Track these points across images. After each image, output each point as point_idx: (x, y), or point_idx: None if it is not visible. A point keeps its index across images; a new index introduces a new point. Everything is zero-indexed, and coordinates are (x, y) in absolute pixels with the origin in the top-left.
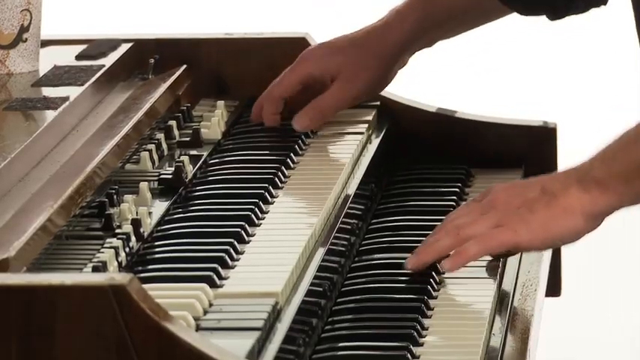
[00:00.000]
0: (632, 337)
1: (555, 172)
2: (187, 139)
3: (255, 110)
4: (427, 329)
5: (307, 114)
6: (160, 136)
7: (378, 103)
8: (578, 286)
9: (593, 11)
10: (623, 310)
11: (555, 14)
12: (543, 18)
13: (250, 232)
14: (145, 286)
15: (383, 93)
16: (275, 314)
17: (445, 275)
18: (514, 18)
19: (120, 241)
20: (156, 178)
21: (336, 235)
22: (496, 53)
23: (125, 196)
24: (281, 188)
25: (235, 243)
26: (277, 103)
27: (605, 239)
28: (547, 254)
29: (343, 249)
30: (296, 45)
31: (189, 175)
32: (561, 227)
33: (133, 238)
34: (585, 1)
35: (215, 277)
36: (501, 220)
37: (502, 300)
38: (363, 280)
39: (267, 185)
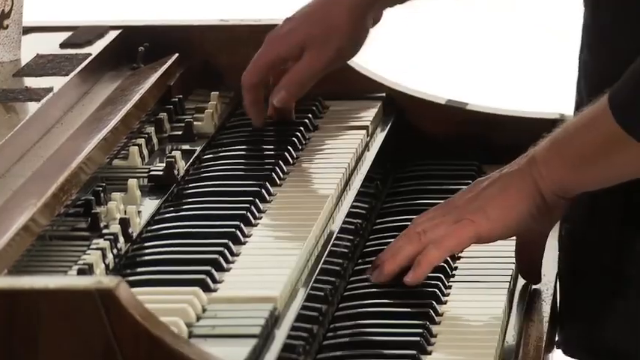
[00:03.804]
0: None
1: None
2: (179, 132)
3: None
4: (436, 336)
5: (283, 86)
6: (150, 129)
7: (384, 94)
8: None
9: None
10: None
11: None
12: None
13: (246, 233)
14: (134, 290)
15: (389, 84)
16: (273, 320)
17: (454, 279)
18: (531, 7)
19: (107, 242)
20: (146, 174)
21: (339, 235)
22: (510, 42)
23: (113, 193)
24: (279, 185)
25: (230, 244)
26: (253, 90)
27: None
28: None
29: (346, 251)
30: None
31: (182, 172)
32: (518, 209)
33: (121, 239)
34: None
35: (209, 280)
36: (460, 216)
37: (515, 306)
38: (367, 284)
39: (264, 182)
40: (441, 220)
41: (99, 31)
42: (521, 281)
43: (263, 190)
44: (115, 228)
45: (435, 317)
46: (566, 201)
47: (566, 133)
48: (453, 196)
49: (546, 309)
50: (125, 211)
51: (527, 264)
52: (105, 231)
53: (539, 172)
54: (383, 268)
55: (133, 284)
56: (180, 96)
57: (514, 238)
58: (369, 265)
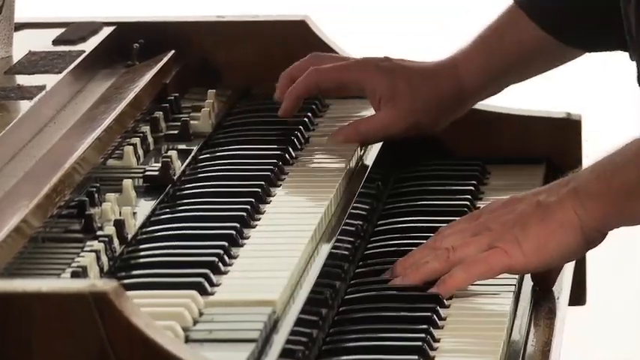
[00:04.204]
0: None
1: (553, 182)
2: (175, 132)
3: (283, 86)
4: (439, 341)
5: (344, 131)
6: (146, 128)
7: None
8: (604, 294)
9: None
10: None
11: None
12: None
13: (245, 235)
14: (129, 293)
15: None
16: (271, 324)
17: None
18: None
19: (101, 244)
20: (141, 174)
21: (339, 237)
22: None
23: (107, 194)
24: (278, 186)
25: (228, 246)
26: (311, 87)
27: (633, 245)
28: None
29: (347, 253)
30: (294, 29)
31: (178, 172)
32: (557, 245)
33: (116, 241)
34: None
35: (206, 283)
36: (493, 241)
37: (520, 309)
38: (369, 287)
39: (263, 183)
40: (472, 240)
41: (92, 28)
42: (526, 284)
43: (261, 191)
44: (110, 230)
45: (438, 321)
46: (602, 235)
47: (614, 165)
48: (482, 210)
49: (553, 313)
50: (120, 213)
51: (543, 278)
52: (99, 233)
53: (584, 207)
54: (406, 279)
55: (128, 287)
56: (177, 94)
57: None
58: (369, 268)
